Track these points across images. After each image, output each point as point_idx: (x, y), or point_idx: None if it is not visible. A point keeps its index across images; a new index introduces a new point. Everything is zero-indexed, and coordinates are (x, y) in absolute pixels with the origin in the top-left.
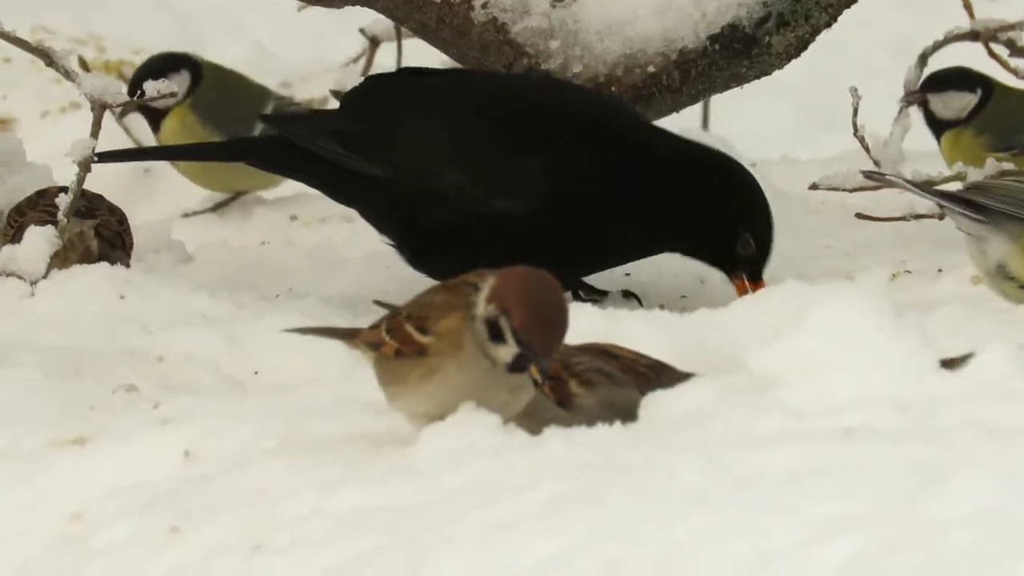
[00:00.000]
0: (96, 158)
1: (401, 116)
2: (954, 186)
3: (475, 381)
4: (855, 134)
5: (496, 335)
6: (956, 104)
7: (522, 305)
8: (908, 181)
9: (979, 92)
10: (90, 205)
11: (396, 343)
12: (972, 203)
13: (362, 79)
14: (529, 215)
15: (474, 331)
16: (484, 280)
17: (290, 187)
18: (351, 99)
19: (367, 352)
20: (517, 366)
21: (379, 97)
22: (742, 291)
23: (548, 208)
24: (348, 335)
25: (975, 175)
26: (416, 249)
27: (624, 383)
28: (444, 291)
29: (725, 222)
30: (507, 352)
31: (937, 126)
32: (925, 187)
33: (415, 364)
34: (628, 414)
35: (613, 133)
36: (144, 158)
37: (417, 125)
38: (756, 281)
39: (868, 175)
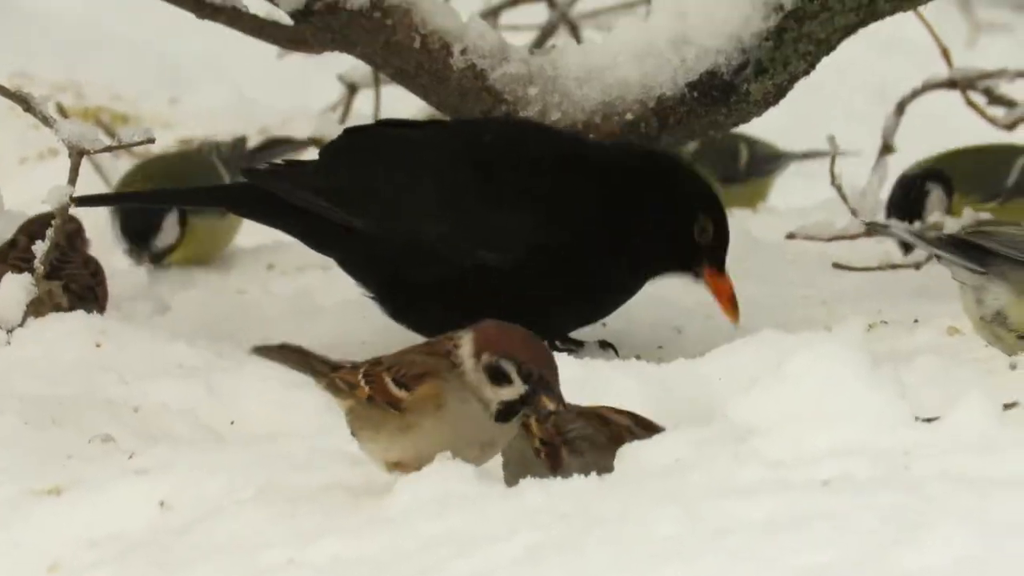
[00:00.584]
0: (74, 203)
1: (381, 169)
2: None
3: (447, 439)
4: (832, 183)
5: (499, 378)
6: (935, 204)
7: (522, 345)
8: (909, 232)
9: (935, 183)
10: (61, 259)
11: (371, 391)
12: (971, 253)
13: (341, 130)
14: (514, 267)
15: (464, 385)
16: (460, 338)
17: (267, 236)
18: (329, 153)
19: (338, 392)
20: (513, 409)
21: (357, 150)
22: (714, 286)
23: (534, 260)
24: (323, 371)
25: (953, 226)
26: (397, 302)
27: (609, 451)
28: (425, 352)
29: (680, 210)
30: (513, 392)
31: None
32: (925, 238)
33: (389, 415)
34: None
35: (581, 169)
36: (122, 202)
37: (397, 178)
38: (721, 271)
39: (870, 227)
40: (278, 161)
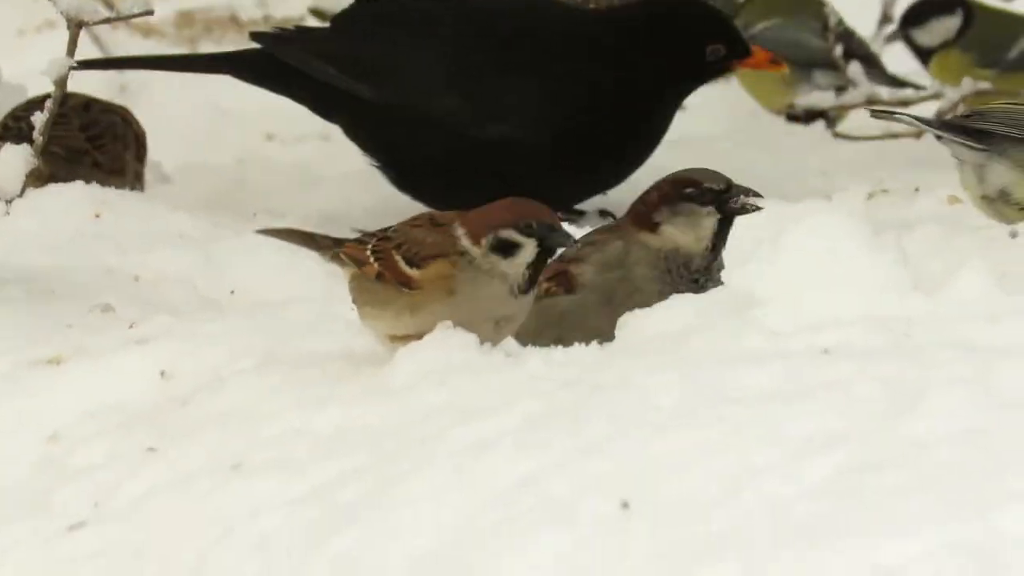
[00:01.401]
0: (76, 65)
1: (394, 40)
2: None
3: (460, 317)
4: (831, 53)
5: (507, 249)
6: (941, 29)
7: (511, 210)
8: (914, 117)
9: (960, 12)
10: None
11: (380, 267)
12: (973, 131)
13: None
14: (524, 141)
15: (478, 269)
16: (455, 227)
17: (265, 103)
18: (342, 20)
19: (347, 266)
20: (539, 267)
21: (371, 19)
22: (750, 65)
23: (546, 133)
24: (327, 245)
25: (952, 94)
26: (403, 173)
27: (606, 241)
28: (435, 230)
29: (687, 46)
30: (528, 253)
31: (924, 53)
32: (929, 121)
33: (398, 293)
34: (620, 264)
35: (591, 41)
36: (124, 67)
37: (409, 49)
38: (747, 54)
39: (874, 113)
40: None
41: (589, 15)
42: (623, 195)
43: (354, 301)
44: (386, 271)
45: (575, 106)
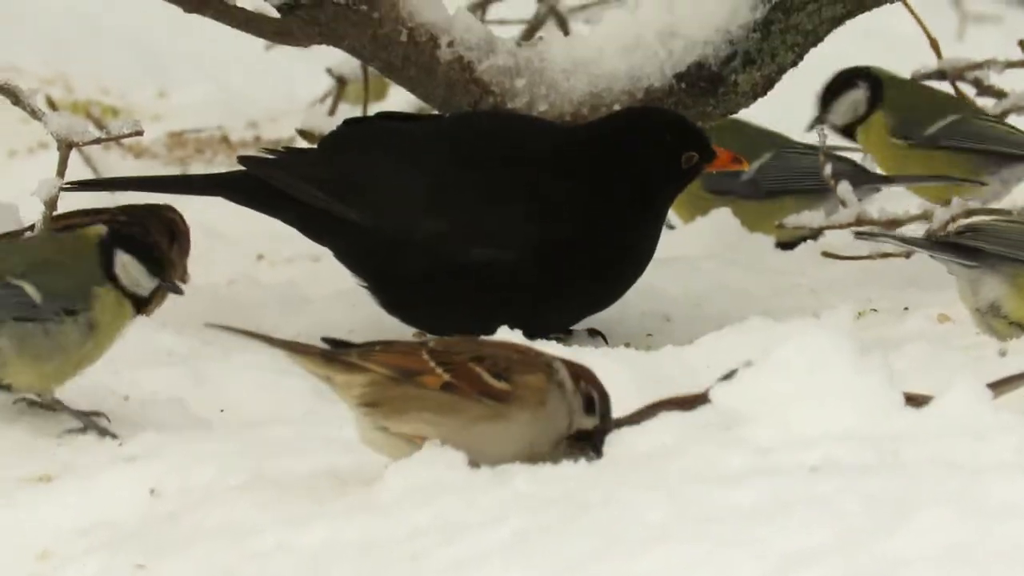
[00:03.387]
0: (66, 186)
1: (380, 162)
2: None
3: (535, 436)
4: (823, 175)
5: (591, 408)
6: (849, 105)
7: (602, 386)
8: (900, 238)
9: (863, 85)
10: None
11: (455, 380)
12: (963, 249)
13: (337, 122)
14: (513, 263)
15: (563, 397)
16: (554, 359)
17: (258, 226)
18: (328, 143)
19: (368, 372)
20: (583, 438)
21: (355, 142)
22: (715, 166)
23: (533, 255)
24: (314, 352)
25: (941, 214)
26: (390, 294)
27: None
28: (513, 350)
29: (665, 157)
30: (590, 423)
31: (849, 132)
32: (919, 241)
33: (473, 403)
34: None
35: (571, 157)
36: (113, 188)
37: (395, 171)
38: (713, 156)
39: (859, 236)
40: (277, 148)
41: (567, 131)
42: (611, 313)
43: (383, 407)
44: (461, 382)
45: (556, 225)
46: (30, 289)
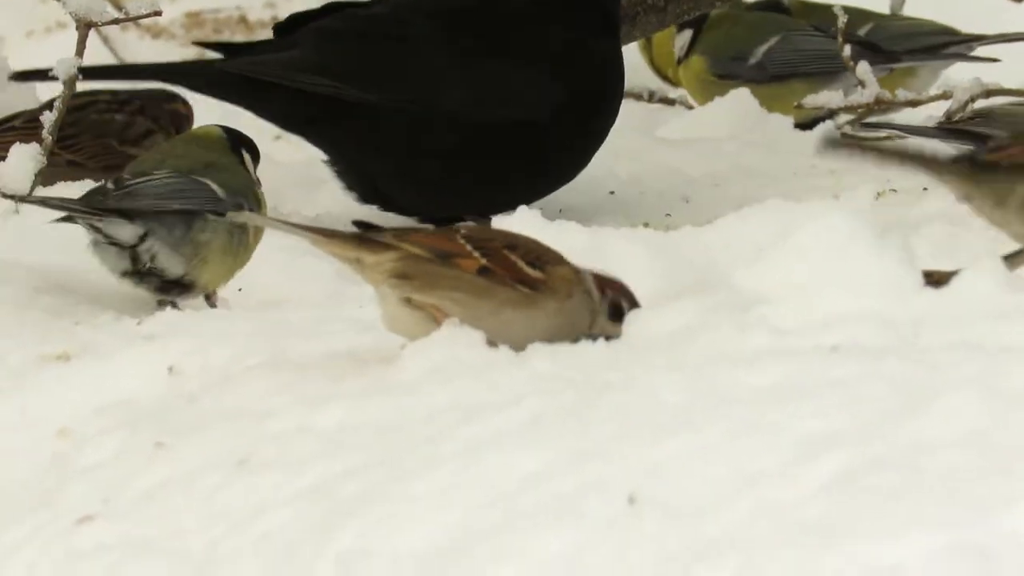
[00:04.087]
0: (80, 75)
1: (377, 45)
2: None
3: (558, 327)
4: (841, 54)
5: (617, 316)
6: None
7: (630, 292)
8: (908, 128)
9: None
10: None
11: (491, 264)
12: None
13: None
14: (532, 122)
15: (587, 294)
16: (578, 267)
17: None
18: (302, 36)
19: (403, 250)
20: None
21: (338, 32)
22: None
23: (556, 113)
24: (341, 236)
25: (960, 94)
26: (409, 179)
27: None
28: (539, 243)
29: None
30: (617, 330)
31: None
32: (926, 129)
33: (506, 288)
34: None
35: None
36: (128, 77)
37: (399, 51)
38: None
39: (867, 125)
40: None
41: None
42: (631, 192)
43: (402, 275)
44: (503, 271)
45: (580, 82)
46: (215, 186)
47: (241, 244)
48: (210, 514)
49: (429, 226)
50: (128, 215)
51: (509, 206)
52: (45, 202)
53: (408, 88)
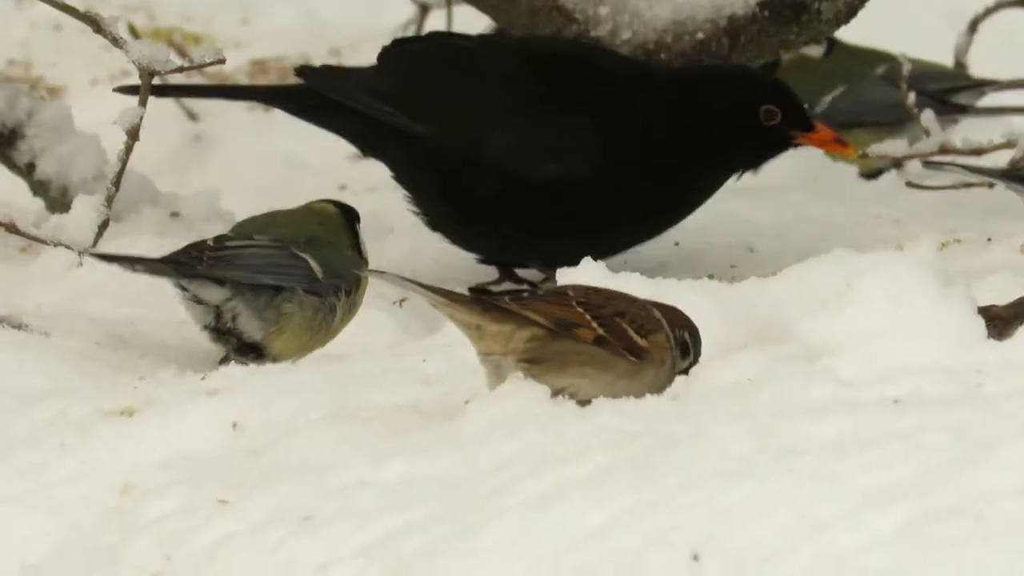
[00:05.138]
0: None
1: (445, 77)
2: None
3: (651, 390)
4: (906, 103)
5: (686, 351)
6: None
7: (691, 322)
8: (972, 168)
9: None
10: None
11: (608, 335)
12: None
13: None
14: (582, 182)
15: (673, 353)
16: (653, 308)
17: (339, 156)
18: (387, 59)
19: (528, 323)
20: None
21: (418, 58)
22: (813, 141)
23: (602, 174)
24: (461, 300)
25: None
26: (452, 216)
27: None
28: (629, 300)
29: (741, 103)
30: (686, 363)
31: None
32: (989, 171)
33: (619, 359)
34: None
35: (648, 83)
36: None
37: (463, 86)
38: (811, 128)
39: (928, 164)
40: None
41: (643, 65)
42: (696, 243)
43: (534, 360)
44: (612, 337)
45: (627, 149)
46: (313, 264)
47: (325, 323)
48: (274, 570)
49: (541, 287)
50: (219, 280)
51: (568, 260)
52: (134, 262)
53: (458, 126)
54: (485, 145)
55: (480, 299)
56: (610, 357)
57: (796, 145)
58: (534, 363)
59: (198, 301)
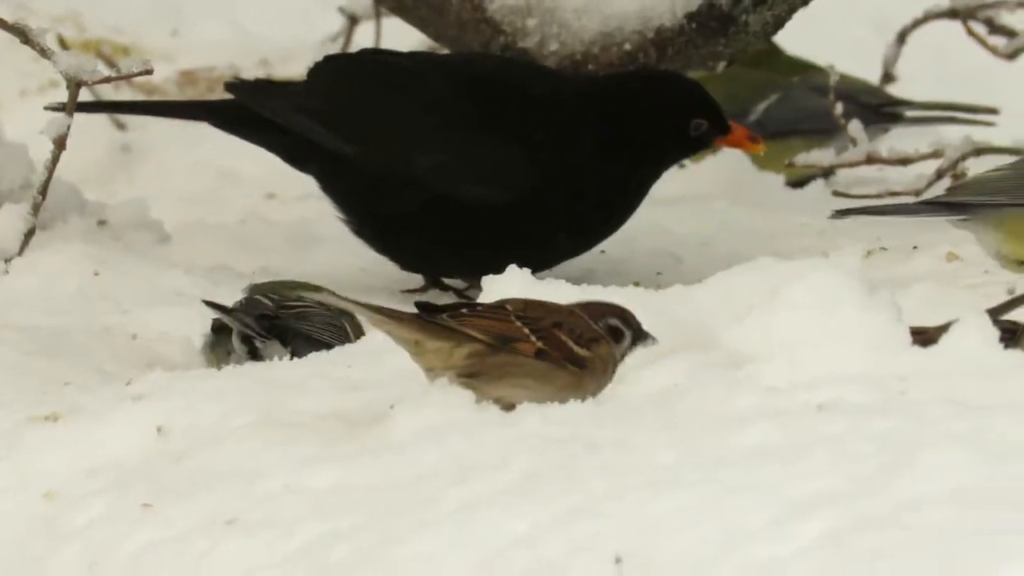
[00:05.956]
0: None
1: (371, 94)
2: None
3: (595, 392)
4: (833, 114)
5: (619, 336)
6: None
7: (611, 306)
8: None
9: None
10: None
11: (545, 346)
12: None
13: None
14: (503, 203)
15: (614, 358)
16: (573, 309)
17: (267, 166)
18: (316, 76)
19: (467, 339)
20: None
21: (345, 74)
22: (729, 142)
23: (527, 198)
24: (403, 318)
25: (951, 152)
26: (377, 230)
27: None
28: (568, 312)
29: (673, 121)
30: (627, 341)
31: None
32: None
33: (561, 370)
34: None
35: (577, 105)
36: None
37: (388, 104)
38: (728, 131)
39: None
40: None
41: (575, 81)
42: (621, 252)
43: (474, 375)
44: (552, 349)
45: (556, 171)
46: (350, 330)
47: None
48: None
49: (478, 303)
50: (286, 340)
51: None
52: (226, 313)
53: (387, 146)
54: (414, 165)
55: (418, 316)
56: (551, 369)
57: (715, 148)
58: (471, 377)
59: (255, 357)
